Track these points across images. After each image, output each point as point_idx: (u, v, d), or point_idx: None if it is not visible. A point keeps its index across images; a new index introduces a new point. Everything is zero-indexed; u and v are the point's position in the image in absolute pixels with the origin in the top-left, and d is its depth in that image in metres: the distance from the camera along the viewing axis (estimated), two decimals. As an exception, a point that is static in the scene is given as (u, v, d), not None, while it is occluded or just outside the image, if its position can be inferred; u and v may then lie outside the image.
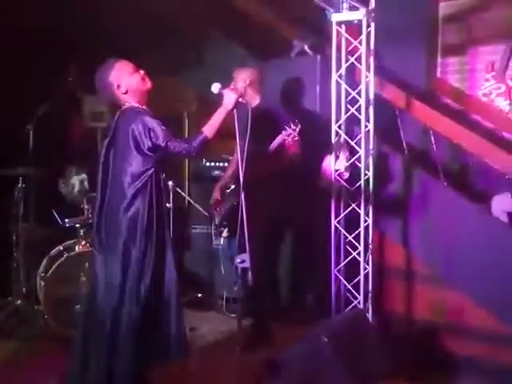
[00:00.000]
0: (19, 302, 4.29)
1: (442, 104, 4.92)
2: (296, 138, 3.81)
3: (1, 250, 4.46)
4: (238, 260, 2.75)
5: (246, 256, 2.77)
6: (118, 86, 3.16)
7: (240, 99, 3.23)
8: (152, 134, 3.04)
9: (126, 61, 3.21)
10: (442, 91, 5.04)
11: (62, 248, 4.39)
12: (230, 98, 3.19)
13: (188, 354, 3.30)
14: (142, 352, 3.10)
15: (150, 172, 3.12)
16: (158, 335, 3.19)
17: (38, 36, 4.68)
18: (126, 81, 3.16)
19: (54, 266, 4.21)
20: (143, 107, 3.21)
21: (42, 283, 4.29)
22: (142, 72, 3.21)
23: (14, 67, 4.64)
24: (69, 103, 4.42)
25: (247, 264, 2.76)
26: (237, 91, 3.28)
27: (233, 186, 4.12)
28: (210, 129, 3.16)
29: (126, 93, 3.17)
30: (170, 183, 4.72)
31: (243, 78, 4.16)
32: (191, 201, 4.92)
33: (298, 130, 3.79)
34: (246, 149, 3.26)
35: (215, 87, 3.23)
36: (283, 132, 3.85)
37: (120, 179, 3.11)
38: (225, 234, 4.06)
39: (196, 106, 5.67)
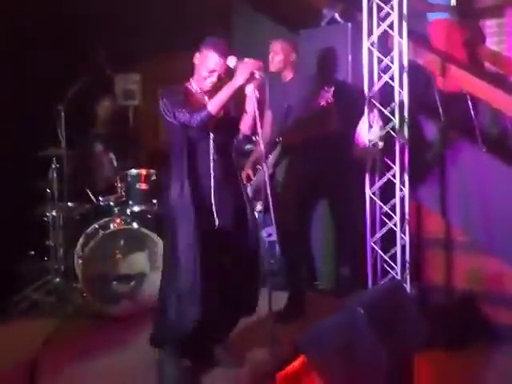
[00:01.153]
0: (57, 280, 4.35)
1: (479, 68, 4.76)
2: (330, 100, 3.79)
3: (38, 230, 4.52)
4: (265, 233, 2.71)
5: (272, 229, 2.72)
6: None
7: (257, 75, 3.02)
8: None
9: None
10: (479, 55, 4.86)
11: (97, 226, 4.43)
12: (242, 73, 3.02)
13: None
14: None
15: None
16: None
17: (69, 17, 4.69)
18: None
19: (90, 244, 4.25)
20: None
21: (80, 261, 4.35)
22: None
23: (42, 48, 4.66)
24: (98, 82, 4.41)
25: (274, 237, 2.71)
26: (254, 64, 3.05)
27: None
28: (214, 105, 3.05)
29: None
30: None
31: (284, 49, 4.09)
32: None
33: (332, 92, 3.77)
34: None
35: (231, 60, 3.10)
36: (318, 96, 3.84)
37: None
38: (258, 207, 4.02)
39: (226, 81, 5.60)
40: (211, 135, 3.19)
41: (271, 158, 4.05)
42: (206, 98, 3.19)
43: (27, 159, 4.28)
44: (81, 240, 4.47)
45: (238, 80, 3.03)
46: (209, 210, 3.22)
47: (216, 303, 3.18)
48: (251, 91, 3.06)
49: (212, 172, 3.21)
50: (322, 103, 3.84)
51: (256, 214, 4.25)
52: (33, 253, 4.72)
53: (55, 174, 4.32)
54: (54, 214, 4.42)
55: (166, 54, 5.34)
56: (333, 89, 3.81)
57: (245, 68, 3.02)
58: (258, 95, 3.06)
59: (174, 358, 3.26)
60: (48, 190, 4.38)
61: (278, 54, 4.10)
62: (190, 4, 5.22)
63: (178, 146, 3.19)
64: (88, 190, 4.62)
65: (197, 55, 3.18)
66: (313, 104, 3.94)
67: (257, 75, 3.01)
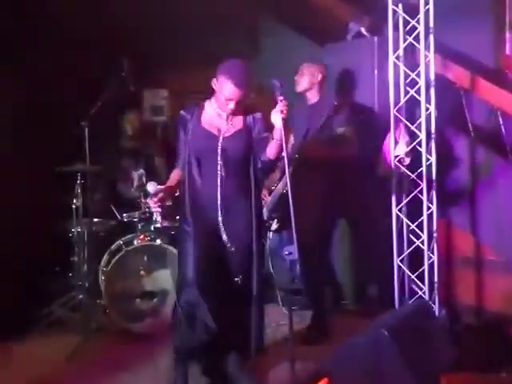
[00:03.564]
0: (81, 296, 4.34)
1: (511, 82, 4.63)
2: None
3: (63, 245, 4.54)
4: (286, 252, 2.65)
5: (293, 248, 2.66)
6: None
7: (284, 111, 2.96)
8: None
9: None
10: (511, 69, 4.74)
11: (121, 242, 4.41)
12: (277, 122, 2.98)
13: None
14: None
15: None
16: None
17: (92, 34, 4.73)
18: None
19: (113, 261, 4.24)
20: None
21: (103, 277, 4.34)
22: None
23: (67, 65, 4.71)
24: (123, 98, 4.43)
25: (295, 256, 2.65)
26: (283, 108, 2.96)
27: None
28: (272, 154, 3.15)
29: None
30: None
31: (311, 71, 4.08)
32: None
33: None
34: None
35: (150, 187, 3.15)
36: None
37: None
38: (274, 226, 3.94)
39: (254, 98, 5.58)
40: (219, 152, 3.18)
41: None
42: (225, 118, 3.22)
43: (53, 175, 4.31)
44: (105, 256, 4.47)
45: (278, 126, 3.01)
46: (216, 229, 3.22)
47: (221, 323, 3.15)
48: (279, 122, 3.00)
49: (219, 189, 3.19)
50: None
51: (270, 236, 4.22)
52: (58, 269, 4.73)
53: (80, 190, 4.32)
54: (78, 229, 4.43)
55: (194, 68, 5.35)
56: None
57: (277, 117, 2.97)
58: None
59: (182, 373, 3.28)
60: (73, 206, 4.39)
61: (303, 76, 4.09)
62: (219, 20, 5.24)
63: (187, 162, 3.23)
64: (112, 206, 4.61)
65: (214, 80, 3.17)
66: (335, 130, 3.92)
67: (284, 111, 2.97)
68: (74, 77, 4.66)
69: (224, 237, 3.22)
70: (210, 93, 3.26)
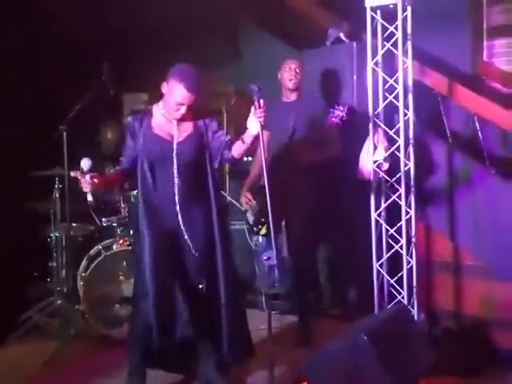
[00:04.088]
0: (60, 301, 4.30)
1: (488, 89, 4.69)
2: (344, 119, 3.80)
3: (41, 250, 4.50)
4: (265, 257, 2.66)
5: (272, 253, 2.66)
6: None
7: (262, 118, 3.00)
8: None
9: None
10: (488, 75, 4.80)
11: (100, 247, 4.38)
12: (255, 125, 3.02)
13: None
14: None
15: None
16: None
17: (74, 37, 4.71)
18: None
19: (92, 266, 4.22)
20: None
21: (82, 283, 4.30)
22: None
23: (48, 69, 4.67)
24: (103, 102, 4.41)
25: (274, 261, 2.66)
26: (262, 112, 3.00)
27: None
28: (238, 153, 3.19)
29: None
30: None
31: (301, 69, 4.11)
32: (228, 197, 4.84)
33: (346, 110, 3.79)
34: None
35: (85, 163, 2.98)
36: (330, 113, 3.84)
37: None
38: (263, 231, 3.94)
39: (234, 102, 5.59)
40: (174, 157, 3.17)
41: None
42: (175, 124, 3.21)
43: (30, 180, 4.27)
44: (84, 261, 4.43)
45: (253, 132, 3.06)
46: (176, 234, 3.21)
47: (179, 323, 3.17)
48: (256, 129, 3.03)
49: (177, 195, 3.18)
50: (336, 121, 3.81)
51: (260, 239, 4.21)
52: (36, 274, 4.69)
53: (58, 195, 4.29)
54: (56, 234, 4.39)
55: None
56: (347, 107, 3.82)
57: (255, 120, 3.01)
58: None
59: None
60: (51, 211, 4.35)
61: (295, 72, 4.10)
62: (200, 24, 5.24)
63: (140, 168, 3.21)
64: (91, 211, 4.58)
65: (164, 84, 3.16)
66: (321, 125, 3.93)
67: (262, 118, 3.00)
68: (52, 79, 4.63)
69: (187, 241, 3.20)
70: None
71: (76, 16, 4.74)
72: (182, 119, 3.20)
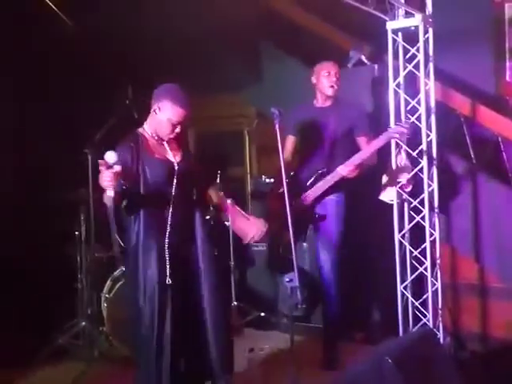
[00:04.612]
0: (84, 323, 4.32)
1: (511, 109, 4.67)
2: (408, 137, 3.77)
3: (66, 272, 4.53)
4: (287, 279, 2.66)
5: (294, 275, 2.66)
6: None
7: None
8: None
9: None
10: (511, 95, 4.78)
11: (124, 269, 4.40)
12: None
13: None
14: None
15: None
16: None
17: (97, 62, 4.80)
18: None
19: (116, 287, 4.24)
20: None
21: (105, 304, 4.33)
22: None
23: (73, 93, 4.77)
24: (127, 125, 4.47)
25: (296, 283, 2.65)
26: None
27: None
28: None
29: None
30: (229, 201, 4.67)
31: (332, 73, 4.00)
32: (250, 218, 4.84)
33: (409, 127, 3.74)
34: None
35: (111, 156, 2.69)
36: (390, 129, 3.79)
37: None
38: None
39: (256, 124, 5.64)
40: (175, 177, 3.13)
41: (316, 189, 3.94)
42: (167, 146, 3.18)
43: (57, 202, 4.33)
44: (108, 283, 4.45)
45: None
46: (179, 253, 3.14)
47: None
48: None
49: (179, 214, 3.13)
50: (398, 137, 3.81)
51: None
52: (61, 295, 4.72)
53: (83, 217, 4.34)
54: (81, 256, 4.43)
55: (196, 94, 5.41)
56: (410, 124, 3.79)
57: (100, 179, 2.74)
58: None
59: None
60: (76, 232, 4.40)
61: (338, 80, 3.98)
62: (220, 46, 5.31)
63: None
64: (116, 234, 4.61)
65: (156, 106, 3.11)
66: (358, 134, 3.96)
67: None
68: (79, 103, 4.72)
69: (198, 261, 3.17)
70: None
71: (100, 42, 4.83)
72: (173, 141, 3.18)
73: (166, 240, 3.09)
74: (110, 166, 2.68)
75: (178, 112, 3.09)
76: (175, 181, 3.13)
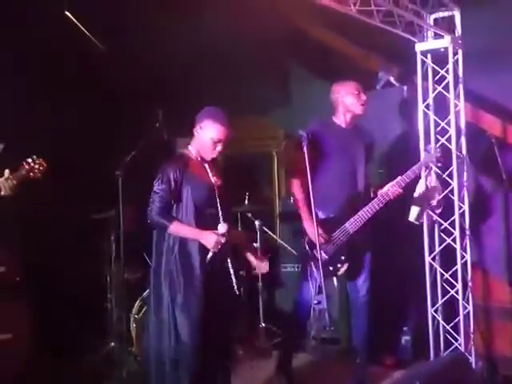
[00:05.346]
0: (113, 344, 4.35)
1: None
2: (439, 164, 3.79)
3: (95, 292, 4.58)
4: (315, 301, 2.64)
5: (322, 297, 2.65)
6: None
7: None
8: None
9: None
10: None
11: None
12: (208, 242, 3.16)
13: None
14: None
15: None
16: None
17: (129, 86, 4.89)
18: None
19: (145, 308, 4.25)
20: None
21: (134, 325, 4.35)
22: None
23: (105, 116, 4.87)
24: (158, 147, 4.53)
25: (324, 305, 2.64)
26: (218, 239, 3.18)
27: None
28: (176, 229, 3.18)
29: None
30: (257, 222, 4.69)
31: (361, 91, 3.86)
32: (278, 240, 4.86)
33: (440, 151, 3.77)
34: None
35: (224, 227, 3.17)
36: (426, 154, 3.79)
37: None
38: (342, 270, 3.75)
39: (284, 146, 5.66)
40: (218, 200, 3.25)
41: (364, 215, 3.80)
42: (207, 166, 3.30)
43: (89, 222, 4.40)
44: (136, 303, 4.48)
45: (203, 240, 3.16)
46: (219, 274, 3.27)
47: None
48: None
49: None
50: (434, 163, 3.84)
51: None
52: (91, 315, 4.76)
53: (114, 237, 4.39)
54: (111, 276, 4.47)
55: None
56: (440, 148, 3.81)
57: (209, 239, 3.15)
58: None
59: None
60: (106, 254, 4.45)
61: (366, 100, 3.84)
62: (248, 69, 5.36)
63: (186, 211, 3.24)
64: (144, 254, 4.65)
65: (198, 126, 3.27)
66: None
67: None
68: (110, 126, 4.81)
69: (233, 281, 3.26)
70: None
71: (132, 66, 4.93)
72: (211, 162, 3.31)
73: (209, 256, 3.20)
74: (222, 234, 3.14)
75: (219, 129, 3.23)
76: (218, 201, 3.26)
